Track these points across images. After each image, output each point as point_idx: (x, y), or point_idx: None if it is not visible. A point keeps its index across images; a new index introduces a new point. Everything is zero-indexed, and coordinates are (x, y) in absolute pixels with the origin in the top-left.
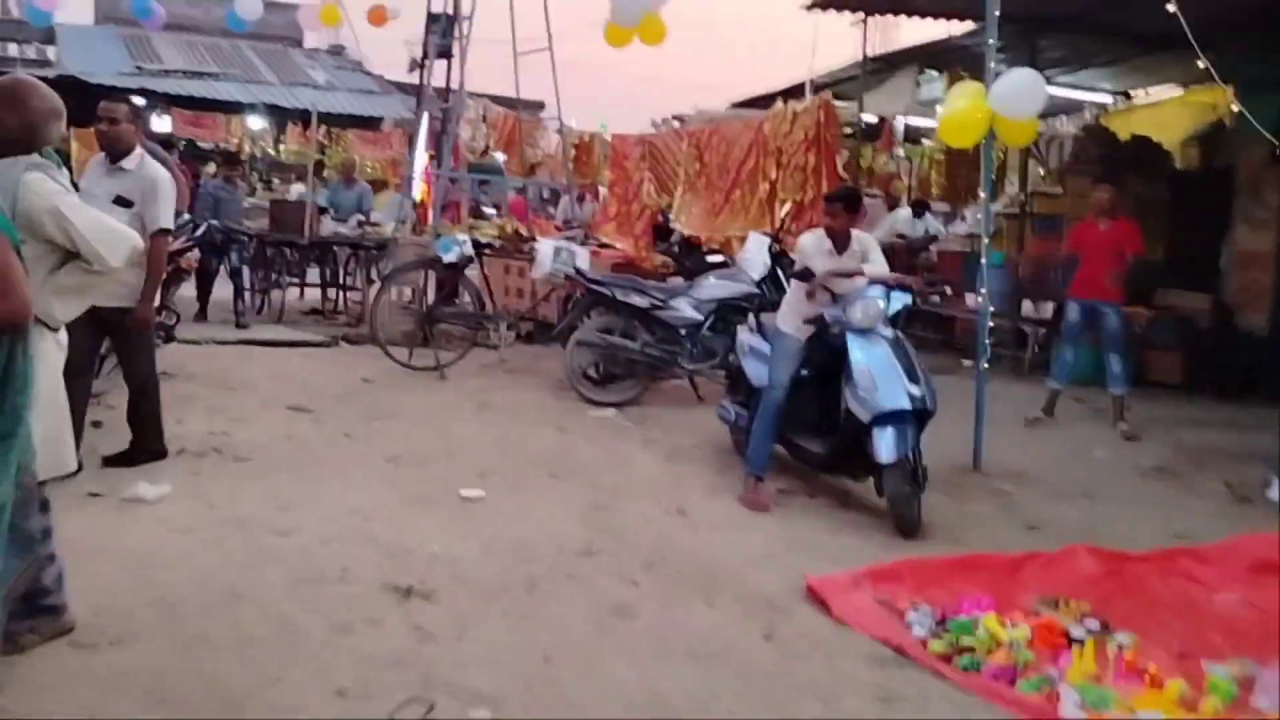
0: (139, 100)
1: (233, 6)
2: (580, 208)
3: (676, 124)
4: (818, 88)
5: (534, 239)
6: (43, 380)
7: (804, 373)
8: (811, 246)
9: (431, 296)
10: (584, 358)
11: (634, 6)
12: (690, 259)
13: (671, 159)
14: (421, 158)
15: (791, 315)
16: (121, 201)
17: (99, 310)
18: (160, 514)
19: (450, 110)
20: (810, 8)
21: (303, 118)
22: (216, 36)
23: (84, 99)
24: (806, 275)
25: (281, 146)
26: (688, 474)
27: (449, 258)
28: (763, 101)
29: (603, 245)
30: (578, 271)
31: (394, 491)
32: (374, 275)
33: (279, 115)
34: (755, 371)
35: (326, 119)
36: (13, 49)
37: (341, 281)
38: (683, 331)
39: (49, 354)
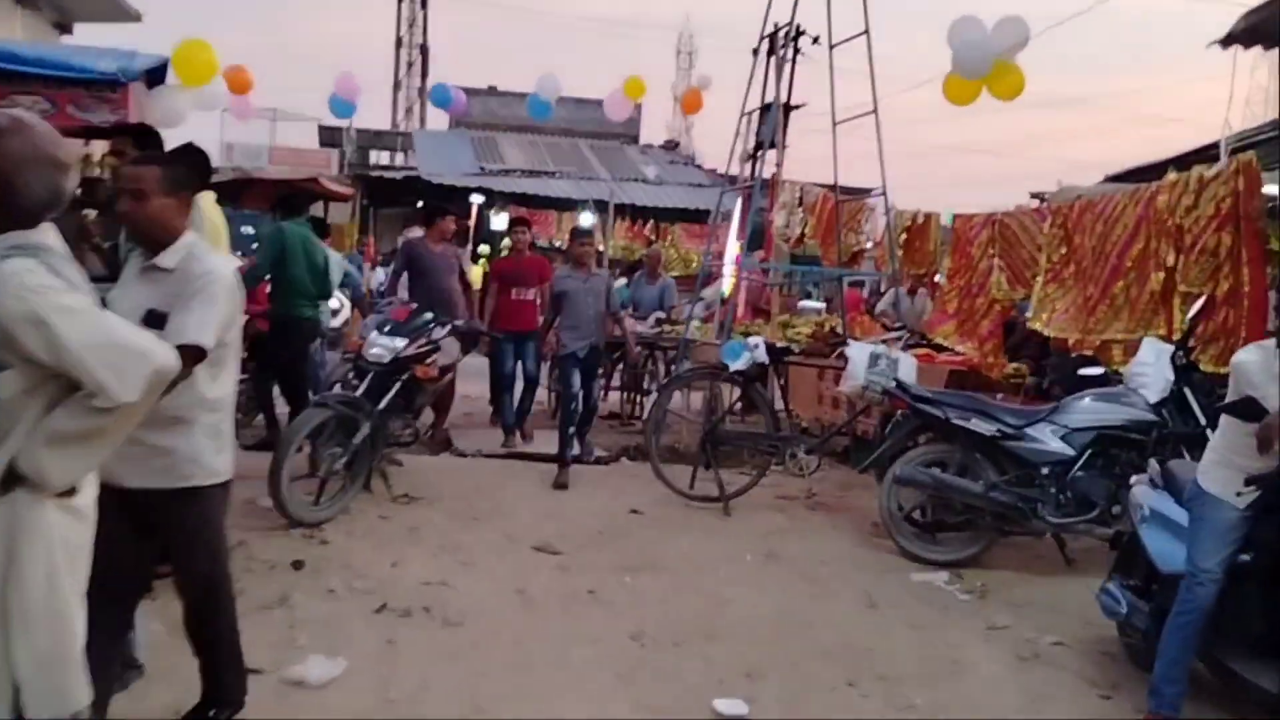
0: (478, 198)
1: (549, 97)
2: (911, 302)
3: (1035, 203)
4: (1235, 149)
5: (846, 341)
6: (32, 570)
7: (1246, 558)
8: (1260, 368)
9: (726, 408)
10: (906, 498)
11: (981, 51)
12: (1056, 370)
13: (1029, 243)
14: (733, 248)
15: (1225, 470)
16: (155, 319)
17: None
18: (325, 703)
19: (753, 189)
20: (1225, 42)
21: (632, 213)
22: (558, 136)
23: (433, 199)
24: (1254, 412)
25: (610, 242)
26: (1053, 693)
27: (736, 365)
28: (1148, 173)
29: (937, 347)
30: (899, 386)
31: (624, 695)
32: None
33: (609, 211)
34: (1162, 549)
35: (653, 213)
36: (385, 157)
37: (642, 385)
38: (1045, 470)
39: (45, 532)
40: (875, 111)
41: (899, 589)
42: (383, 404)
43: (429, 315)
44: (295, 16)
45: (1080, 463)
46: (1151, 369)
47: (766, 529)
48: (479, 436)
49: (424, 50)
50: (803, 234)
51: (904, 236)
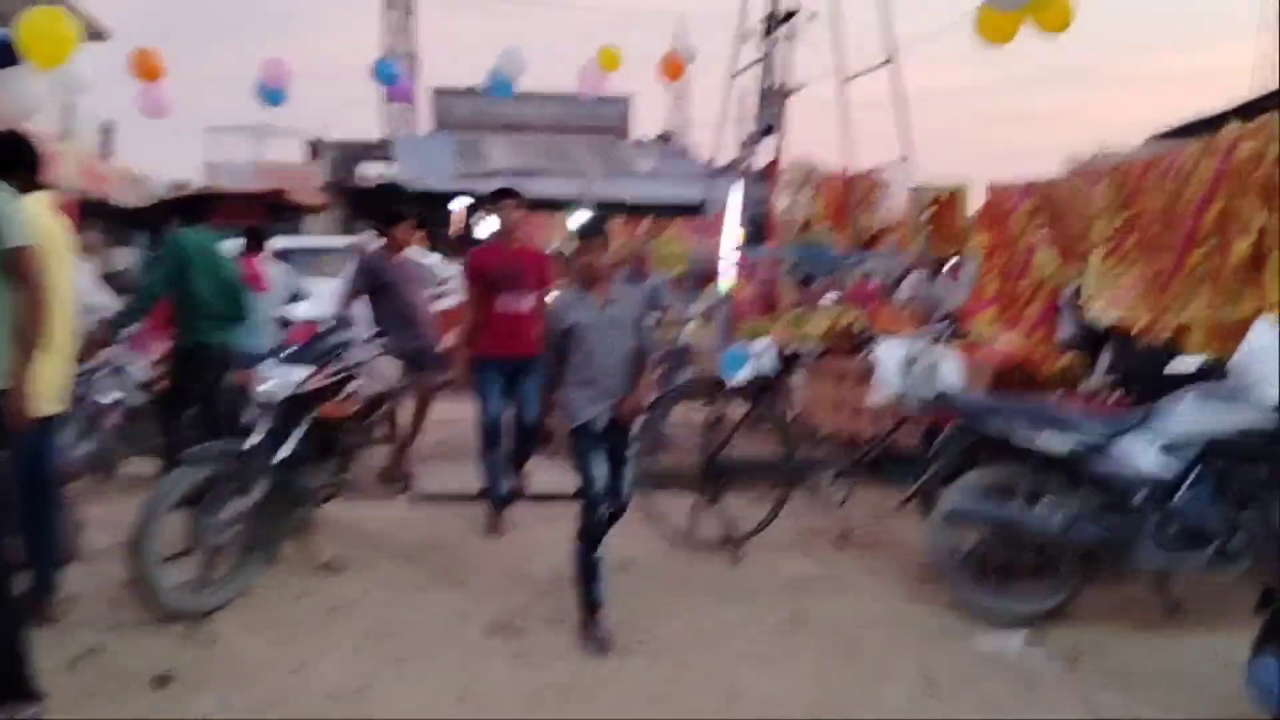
0: (461, 202)
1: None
2: (937, 286)
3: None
4: None
5: (872, 338)
6: None
7: None
8: None
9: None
10: (963, 535)
11: None
12: (1121, 361)
13: (1081, 211)
14: (732, 239)
15: None
16: None
17: None
18: None
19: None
20: None
21: (629, 209)
22: (547, 134)
23: (409, 205)
24: None
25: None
26: None
27: (736, 378)
28: (1203, 129)
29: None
30: (942, 394)
31: None
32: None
33: (603, 209)
34: None
35: (648, 209)
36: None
37: None
38: (1141, 495)
39: None
40: (891, 60)
41: (964, 660)
42: (281, 454)
43: (346, 334)
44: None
45: (1187, 483)
46: (1266, 357)
47: (788, 580)
48: (452, 474)
49: (412, 58)
50: (808, 220)
51: (930, 213)
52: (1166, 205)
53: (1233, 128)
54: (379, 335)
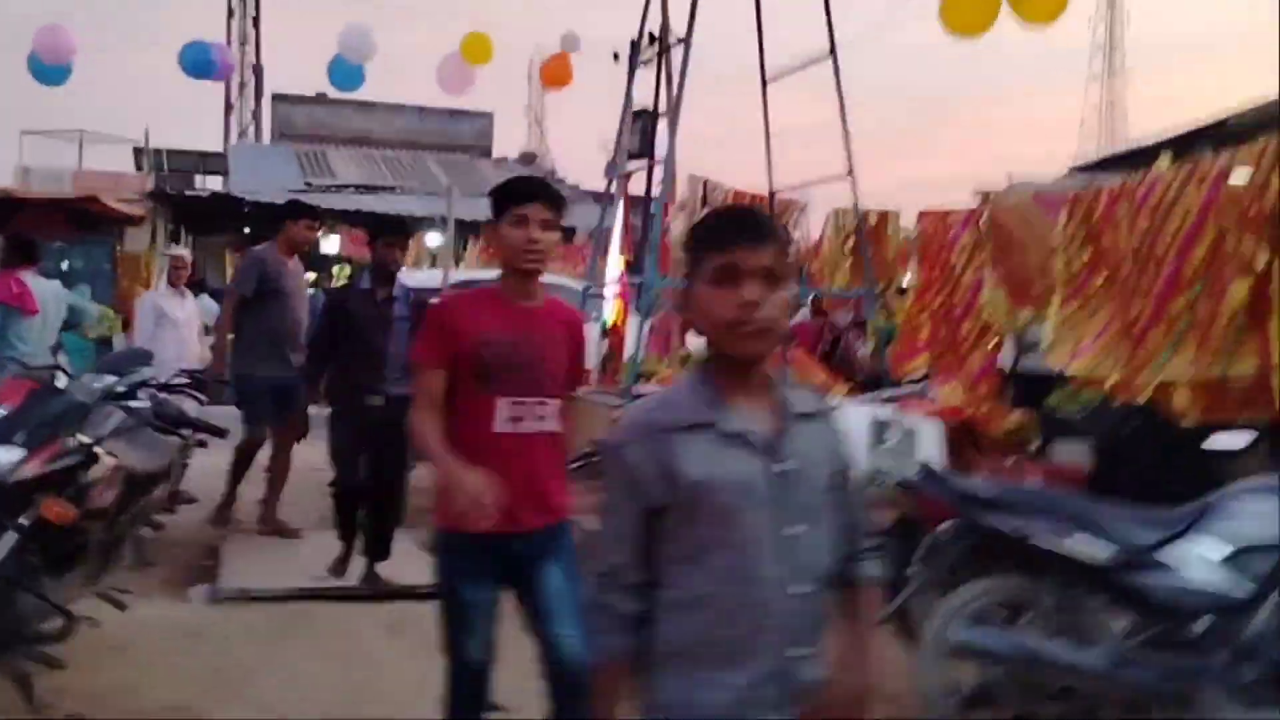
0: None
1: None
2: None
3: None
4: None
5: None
6: None
7: None
8: None
9: None
10: (963, 672)
11: None
12: (1096, 427)
13: (1037, 245)
14: (614, 265)
15: None
16: None
17: None
18: None
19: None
20: None
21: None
22: (399, 149)
23: (246, 219)
24: None
25: (462, 264)
26: None
27: None
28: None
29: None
30: (928, 476)
31: None
32: None
33: (462, 230)
34: None
35: None
36: (199, 181)
37: None
38: (1204, 621)
39: None
40: (834, 53)
41: None
42: None
43: (78, 396)
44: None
45: (1265, 608)
46: None
47: None
48: (269, 556)
49: (257, 71)
50: None
51: (850, 243)
52: (1142, 243)
53: (1219, 156)
54: (189, 380)
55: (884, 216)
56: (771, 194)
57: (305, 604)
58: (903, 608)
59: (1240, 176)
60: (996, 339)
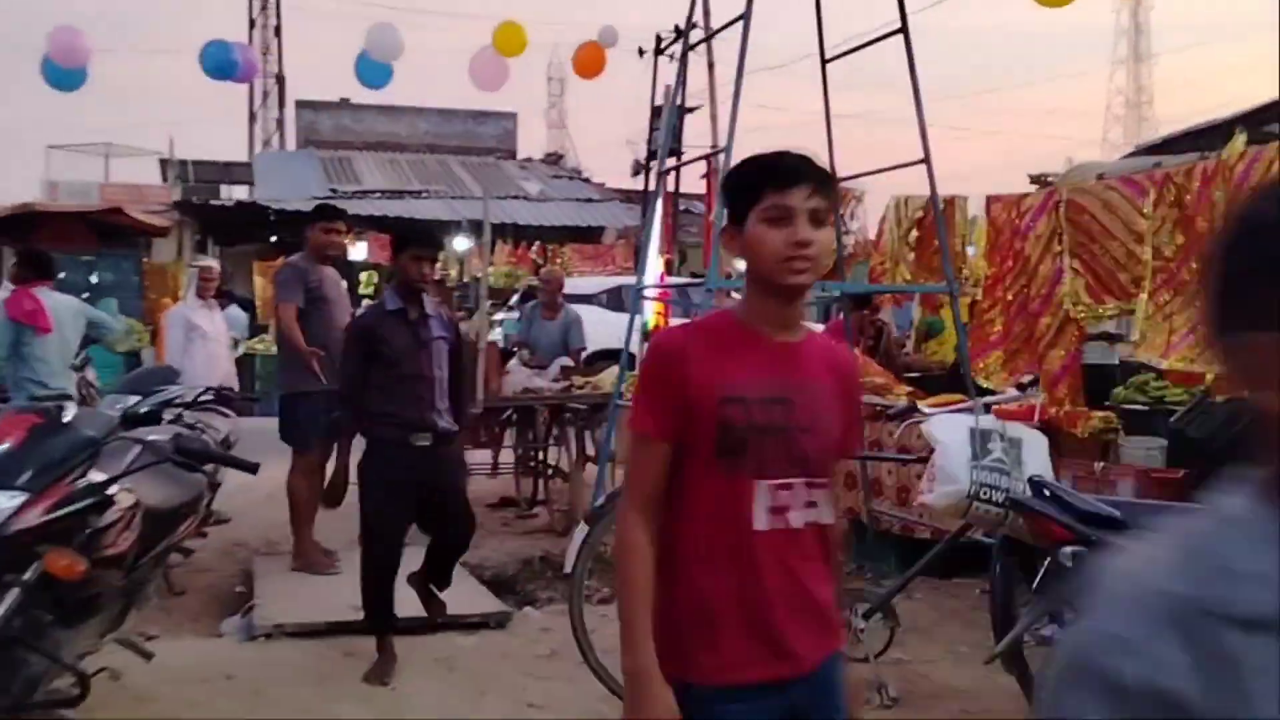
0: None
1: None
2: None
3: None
4: None
5: (914, 408)
6: None
7: None
8: None
9: None
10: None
11: None
12: (1197, 425)
13: (1122, 231)
14: (655, 265)
15: None
16: None
17: None
18: None
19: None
20: None
21: (514, 234)
22: (423, 153)
23: (272, 227)
24: None
25: (490, 268)
26: None
27: None
28: (1198, 140)
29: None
30: (1041, 492)
31: None
32: (589, 448)
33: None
34: None
35: (539, 233)
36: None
37: (542, 460)
38: None
39: None
40: (905, 30)
41: None
42: None
43: (87, 430)
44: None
45: None
46: None
47: None
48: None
49: (280, 79)
50: None
51: (914, 233)
52: None
53: None
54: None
55: (951, 202)
56: (835, 181)
57: (347, 638)
58: (1017, 639)
59: None
60: (1078, 333)
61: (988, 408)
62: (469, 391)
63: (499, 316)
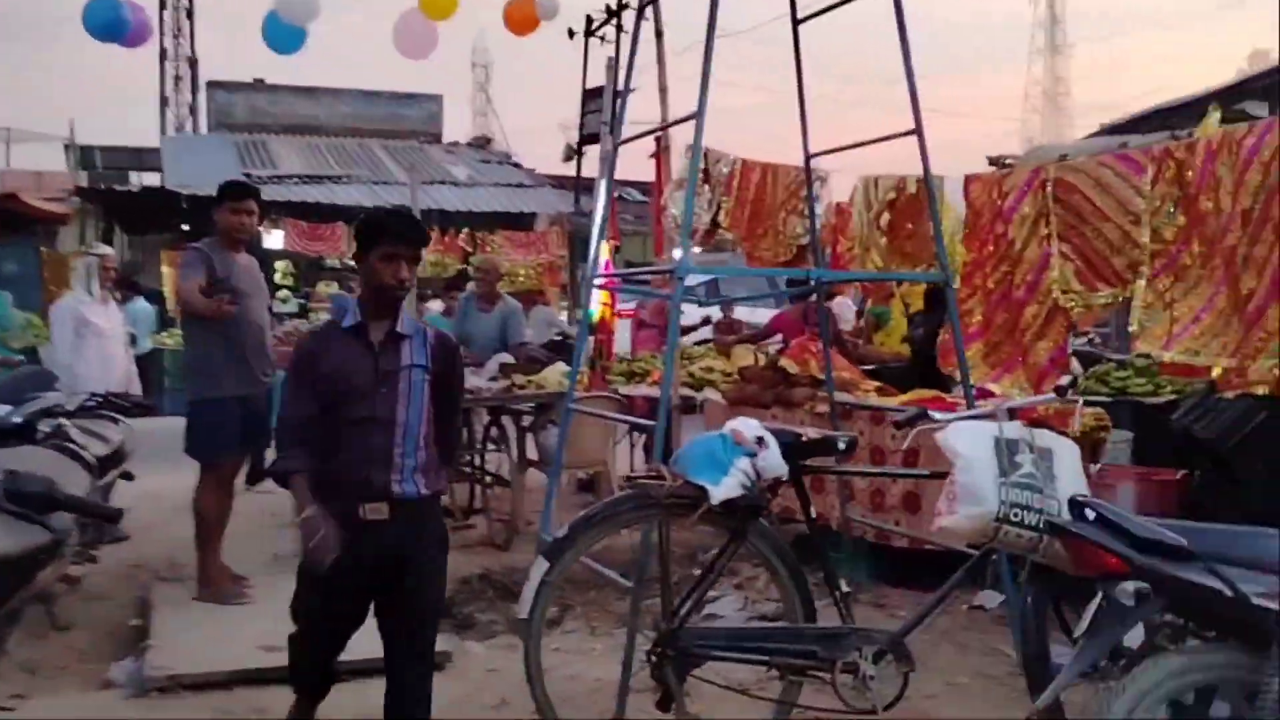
0: None
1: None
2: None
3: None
4: None
5: (925, 414)
6: None
7: None
8: None
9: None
10: None
11: None
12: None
13: (1117, 211)
14: (601, 252)
15: None
16: None
17: None
18: None
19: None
20: None
21: (441, 221)
22: (344, 137)
23: (183, 215)
24: None
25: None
26: None
27: (722, 492)
28: (1167, 118)
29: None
30: (1085, 515)
31: None
32: (531, 448)
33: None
34: None
35: (468, 219)
36: (136, 178)
37: (480, 465)
38: None
39: None
40: None
41: None
42: None
43: None
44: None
45: None
46: None
47: None
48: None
49: (192, 63)
50: (715, 223)
51: (885, 217)
52: (1250, 204)
53: None
54: (103, 404)
55: (923, 184)
56: (808, 158)
57: (255, 689)
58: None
59: None
60: (1066, 324)
61: (1012, 413)
62: (458, 438)
63: (433, 306)
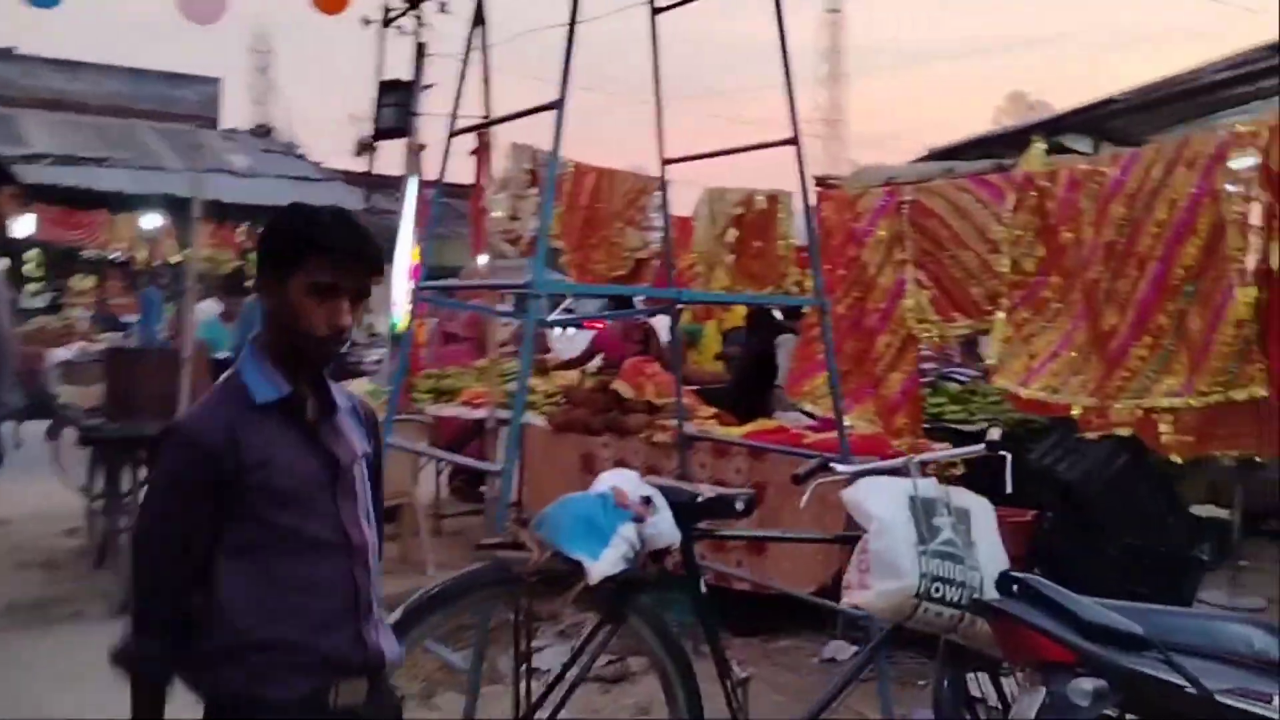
0: None
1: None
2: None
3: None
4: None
5: (826, 464)
6: None
7: None
8: None
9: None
10: None
11: None
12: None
13: (976, 238)
14: (405, 254)
15: None
16: None
17: None
18: None
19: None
20: None
21: (218, 213)
22: (108, 116)
23: None
24: None
25: (189, 251)
26: None
27: (603, 565)
28: (985, 149)
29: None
30: (1021, 593)
31: None
32: None
33: (184, 211)
34: None
35: (249, 213)
36: None
37: None
38: None
39: None
40: None
41: None
42: None
43: None
44: None
45: None
46: None
47: None
48: None
49: None
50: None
51: (732, 232)
52: (1114, 237)
53: (1219, 130)
54: None
55: (773, 200)
56: (664, 163)
57: None
58: None
59: (1247, 157)
60: (918, 354)
61: (924, 466)
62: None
63: (205, 308)
